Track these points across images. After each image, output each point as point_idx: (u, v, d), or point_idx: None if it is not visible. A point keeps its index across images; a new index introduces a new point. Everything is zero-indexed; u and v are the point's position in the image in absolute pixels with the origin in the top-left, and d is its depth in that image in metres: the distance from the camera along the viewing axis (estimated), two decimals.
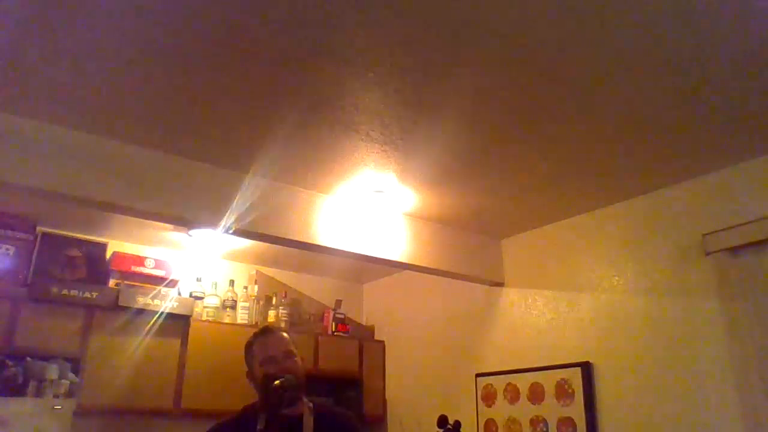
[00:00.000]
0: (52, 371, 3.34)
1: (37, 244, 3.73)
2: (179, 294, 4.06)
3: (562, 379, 3.43)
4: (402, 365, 4.67)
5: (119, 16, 1.91)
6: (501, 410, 3.74)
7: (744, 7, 1.85)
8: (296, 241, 3.23)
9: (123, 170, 2.75)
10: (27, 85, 2.31)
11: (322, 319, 4.77)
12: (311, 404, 1.83)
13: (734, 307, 2.79)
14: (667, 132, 2.62)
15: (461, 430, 2.88)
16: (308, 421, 1.77)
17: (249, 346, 1.87)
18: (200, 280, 4.22)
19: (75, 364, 3.46)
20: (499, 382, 3.80)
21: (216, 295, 4.23)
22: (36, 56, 2.12)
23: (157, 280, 3.99)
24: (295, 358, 1.82)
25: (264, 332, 1.92)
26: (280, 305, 4.47)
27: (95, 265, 3.89)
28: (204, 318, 4.08)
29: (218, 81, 2.27)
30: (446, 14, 1.88)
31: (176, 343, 3.86)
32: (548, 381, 3.50)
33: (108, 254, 3.98)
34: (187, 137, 2.73)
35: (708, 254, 2.89)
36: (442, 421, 2.87)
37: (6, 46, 2.06)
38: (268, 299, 4.48)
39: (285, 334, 1.89)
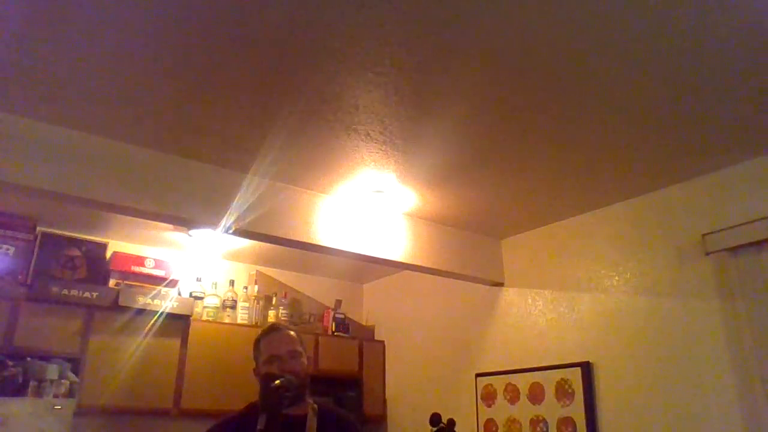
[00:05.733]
0: (52, 371, 3.33)
1: (37, 244, 3.73)
2: (179, 294, 4.06)
3: (562, 379, 3.43)
4: (402, 365, 4.67)
5: (119, 17, 1.91)
6: (501, 410, 3.74)
7: (744, 8, 1.85)
8: (296, 241, 3.23)
9: (123, 170, 2.75)
10: (27, 85, 2.31)
11: (322, 319, 4.77)
12: (315, 405, 1.83)
13: (734, 307, 2.79)
14: (667, 132, 2.62)
15: (455, 428, 2.76)
16: (312, 422, 1.77)
17: (257, 342, 1.87)
18: (200, 280, 4.22)
19: (75, 364, 3.46)
20: (499, 382, 3.80)
21: (216, 295, 4.23)
22: (36, 56, 2.12)
23: (157, 280, 4.00)
24: (301, 359, 1.81)
25: (271, 330, 1.91)
26: (280, 305, 4.48)
27: (95, 265, 3.89)
28: (204, 318, 4.08)
29: (218, 81, 2.27)
30: (446, 14, 1.88)
31: (176, 343, 3.86)
32: (548, 381, 3.50)
33: (108, 254, 3.98)
34: (187, 137, 2.73)
35: (708, 254, 2.89)
36: (435, 419, 2.75)
37: (6, 46, 2.06)
38: (268, 299, 4.48)
39: (292, 333, 1.87)
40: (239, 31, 1.98)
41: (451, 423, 2.74)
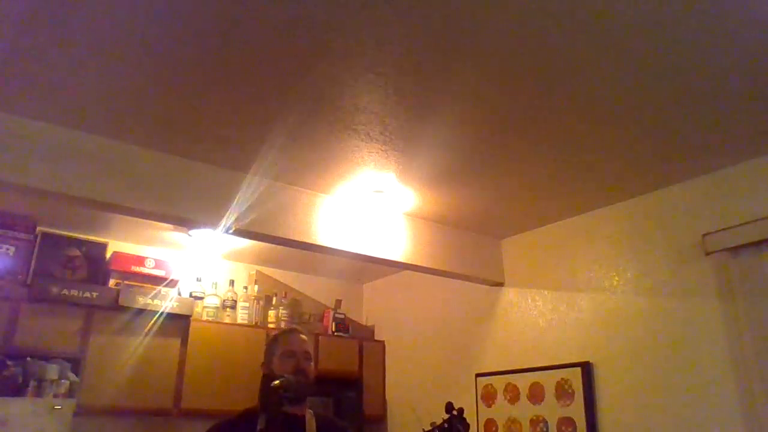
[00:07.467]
0: (52, 371, 3.33)
1: (37, 244, 3.73)
2: (179, 294, 4.06)
3: (562, 379, 3.43)
4: (402, 365, 4.67)
5: (119, 16, 1.91)
6: (501, 410, 3.74)
7: (744, 9, 1.85)
8: (296, 241, 3.23)
9: (123, 170, 2.75)
10: (27, 85, 2.31)
11: (322, 319, 4.77)
12: (311, 410, 1.89)
13: (734, 307, 2.79)
14: (667, 132, 2.62)
15: (464, 415, 3.02)
16: (311, 423, 1.81)
17: (275, 337, 2.01)
18: (200, 280, 4.22)
19: (75, 364, 3.46)
20: (499, 382, 3.80)
21: (216, 295, 4.23)
22: (36, 56, 2.12)
23: (157, 280, 3.99)
24: (311, 362, 1.94)
25: (292, 330, 2.10)
26: (280, 305, 4.48)
27: (95, 265, 3.89)
28: (204, 318, 4.08)
29: (218, 81, 2.27)
30: (446, 15, 1.88)
31: (176, 343, 3.86)
32: (548, 381, 3.50)
33: (108, 254, 3.98)
34: (187, 137, 2.73)
35: (708, 254, 2.89)
36: (449, 407, 3.01)
37: (5, 46, 2.06)
38: (268, 299, 4.48)
39: (307, 338, 2.01)
40: (239, 32, 1.98)
41: (461, 411, 3.05)
